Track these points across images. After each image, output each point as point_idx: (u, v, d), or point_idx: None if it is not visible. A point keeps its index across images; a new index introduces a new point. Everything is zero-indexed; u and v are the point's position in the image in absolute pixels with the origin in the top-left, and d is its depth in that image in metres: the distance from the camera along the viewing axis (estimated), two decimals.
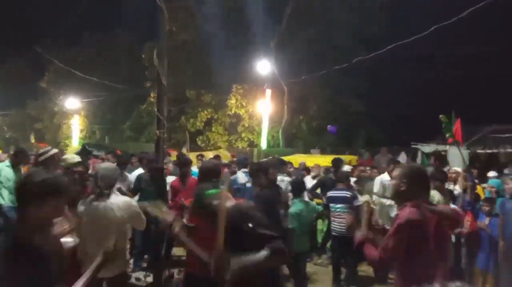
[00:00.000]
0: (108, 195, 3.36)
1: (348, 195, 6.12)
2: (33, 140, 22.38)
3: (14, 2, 30.56)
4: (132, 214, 3.43)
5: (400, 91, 22.47)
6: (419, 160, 11.52)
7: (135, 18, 23.80)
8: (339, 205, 6.14)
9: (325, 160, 10.20)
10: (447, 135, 7.05)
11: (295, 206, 5.32)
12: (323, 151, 16.77)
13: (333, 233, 6.22)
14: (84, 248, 3.35)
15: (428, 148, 13.95)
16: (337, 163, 7.75)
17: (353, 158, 12.75)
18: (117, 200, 3.36)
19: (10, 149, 18.67)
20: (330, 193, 6.35)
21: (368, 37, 20.19)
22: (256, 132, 21.39)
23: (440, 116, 6.91)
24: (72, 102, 25.22)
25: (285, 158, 11.25)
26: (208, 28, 20.88)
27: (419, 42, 8.97)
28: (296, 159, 10.66)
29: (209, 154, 11.13)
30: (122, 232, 3.37)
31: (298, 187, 5.36)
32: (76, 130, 25.97)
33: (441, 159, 13.27)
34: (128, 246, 7.28)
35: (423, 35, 8.69)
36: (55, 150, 5.11)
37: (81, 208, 3.42)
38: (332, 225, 6.26)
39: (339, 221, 6.09)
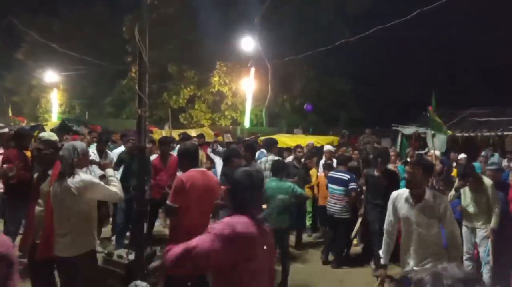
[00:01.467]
0: (69, 175, 3.30)
1: (346, 178, 6.33)
2: (10, 114, 21.76)
3: None
4: (95, 192, 3.37)
5: (384, 72, 22.63)
6: (399, 142, 11.72)
7: None
8: (335, 187, 6.40)
9: (307, 140, 10.28)
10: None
11: (267, 185, 5.42)
12: (306, 131, 16.88)
13: (328, 213, 6.53)
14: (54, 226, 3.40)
15: (408, 130, 14.16)
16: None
17: (335, 138, 12.88)
18: (77, 179, 3.29)
19: None
20: (330, 174, 6.67)
21: (354, 16, 20.12)
22: (239, 110, 21.31)
23: (429, 108, 7.16)
24: (51, 76, 24.53)
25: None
26: (191, 1, 20.42)
27: (402, 24, 8.98)
28: (280, 138, 10.69)
29: (192, 132, 11.05)
30: (84, 212, 3.35)
31: (275, 168, 5.45)
32: (55, 105, 25.39)
33: (421, 141, 13.55)
34: (110, 224, 7.28)
35: (407, 19, 8.70)
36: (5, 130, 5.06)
37: (50, 188, 3.42)
38: (327, 204, 6.55)
39: (334, 202, 6.42)
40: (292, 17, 20.66)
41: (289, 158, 7.97)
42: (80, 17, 26.57)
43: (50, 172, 3.84)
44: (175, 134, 10.62)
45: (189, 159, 4.07)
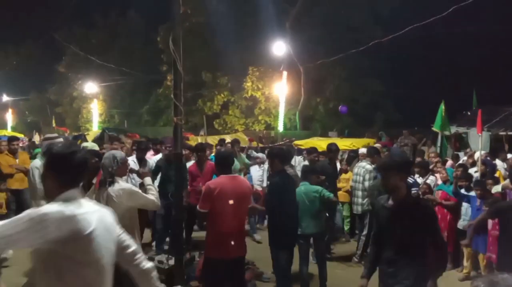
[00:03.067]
0: (110, 183, 3.41)
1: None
2: (54, 125, 22.82)
3: None
4: (134, 200, 3.47)
5: (420, 71, 22.01)
6: (439, 142, 11.33)
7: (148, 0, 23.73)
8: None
9: (343, 143, 10.14)
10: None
11: (297, 190, 5.38)
12: (341, 134, 16.65)
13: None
14: None
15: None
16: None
17: (371, 141, 12.61)
18: (117, 187, 3.41)
19: (34, 133, 19.17)
20: None
21: (386, 15, 19.72)
22: (272, 114, 21.33)
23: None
24: (90, 87, 25.56)
25: (302, 142, 11.24)
26: (222, 9, 20.68)
27: (439, 22, 8.70)
28: (314, 142, 10.61)
29: (227, 138, 11.16)
30: (125, 218, 3.43)
31: (304, 172, 5.43)
32: (95, 115, 26.38)
33: (462, 141, 13.04)
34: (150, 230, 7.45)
35: (443, 16, 8.42)
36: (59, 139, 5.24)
37: (93, 197, 3.51)
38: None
39: None
40: (322, 19, 20.51)
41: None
42: (115, 28, 27.56)
43: (94, 181, 3.98)
44: (210, 140, 10.77)
45: (221, 165, 4.13)
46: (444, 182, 6.26)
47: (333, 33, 20.00)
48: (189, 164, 6.79)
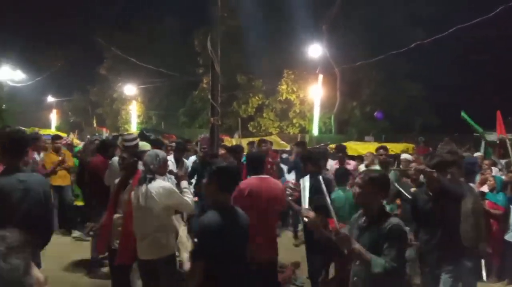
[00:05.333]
0: (149, 180, 3.46)
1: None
2: (95, 125, 23.68)
3: None
4: (172, 199, 3.51)
5: (460, 75, 21.17)
6: (482, 149, 10.85)
7: (185, 4, 24.21)
8: None
9: None
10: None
11: (334, 194, 5.24)
12: (378, 139, 16.28)
13: None
14: (133, 229, 3.57)
15: (491, 136, 13.03)
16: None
17: (409, 146, 12.27)
18: (157, 185, 3.46)
19: (75, 133, 19.94)
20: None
21: (425, 17, 19.13)
22: (307, 118, 21.20)
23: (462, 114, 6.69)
24: (130, 89, 26.37)
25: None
26: (258, 12, 20.77)
27: (483, 24, 8.34)
28: (350, 146, 10.43)
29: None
30: (162, 217, 3.49)
31: (339, 176, 5.26)
32: (134, 116, 27.16)
33: (506, 148, 12.41)
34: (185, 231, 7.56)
35: (489, 16, 8.07)
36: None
37: (132, 193, 3.61)
38: None
39: None
40: (359, 21, 20.18)
41: (361, 166, 7.71)
42: (153, 32, 28.26)
43: (130, 181, 4.03)
44: (244, 142, 10.80)
45: (252, 165, 4.11)
46: (491, 190, 5.96)
47: (369, 35, 19.62)
48: None
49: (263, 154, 5.31)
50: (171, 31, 28.24)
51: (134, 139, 5.00)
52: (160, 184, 3.47)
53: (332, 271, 4.83)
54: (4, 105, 16.53)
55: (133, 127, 25.99)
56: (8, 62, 20.24)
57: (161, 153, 3.81)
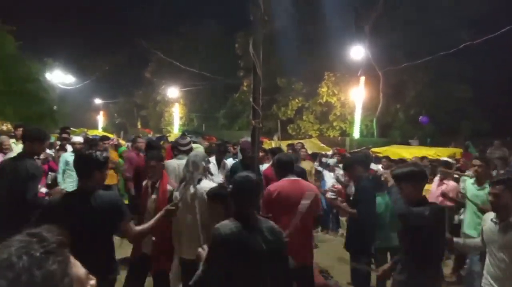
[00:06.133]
0: (198, 181, 3.50)
1: None
2: (139, 126, 24.51)
3: None
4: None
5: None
6: None
7: (227, 8, 24.54)
8: None
9: (426, 153, 9.55)
10: None
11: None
12: (423, 142, 15.73)
13: None
14: (177, 229, 3.58)
15: None
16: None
17: (457, 150, 11.74)
18: (206, 185, 3.48)
19: (121, 134, 20.71)
20: None
21: (474, 16, 18.26)
22: (348, 121, 20.84)
23: None
24: (172, 91, 27.07)
25: (380, 149, 10.79)
26: (298, 14, 20.68)
27: None
28: (393, 150, 10.14)
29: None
30: (206, 217, 3.50)
31: (378, 182, 5.10)
32: (176, 118, 27.86)
33: None
34: None
35: None
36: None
37: (176, 193, 3.61)
38: None
39: None
40: (403, 22, 19.59)
41: None
42: (196, 36, 28.87)
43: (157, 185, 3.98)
44: (284, 145, 10.77)
45: (280, 168, 4.06)
46: None
47: (414, 36, 19.00)
48: (263, 167, 6.83)
49: (292, 156, 5.26)
50: (213, 35, 28.74)
51: (188, 143, 5.14)
52: (209, 185, 3.50)
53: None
54: (55, 107, 17.40)
55: (175, 129, 26.65)
56: (60, 66, 21.32)
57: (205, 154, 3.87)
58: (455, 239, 3.30)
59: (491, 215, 3.03)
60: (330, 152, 10.27)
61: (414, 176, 2.97)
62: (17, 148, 5.57)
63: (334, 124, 21.26)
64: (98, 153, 2.78)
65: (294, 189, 3.80)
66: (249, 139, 6.00)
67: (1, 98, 14.06)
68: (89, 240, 2.45)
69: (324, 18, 20.50)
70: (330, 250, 6.99)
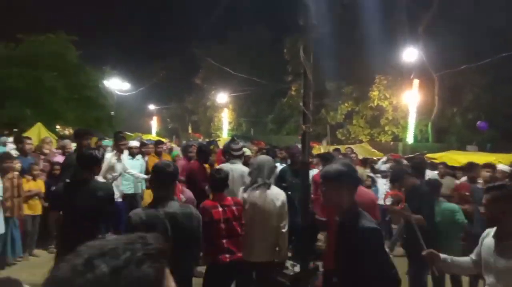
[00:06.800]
0: (269, 186, 3.63)
1: None
2: (190, 131, 25.22)
3: (171, 6, 34.77)
4: (284, 208, 3.66)
5: None
6: None
7: (275, 13, 24.66)
8: None
9: (486, 159, 9.00)
10: None
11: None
12: (482, 148, 14.86)
13: None
14: (249, 233, 3.67)
15: None
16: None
17: None
18: (275, 191, 3.59)
19: (173, 138, 21.41)
20: None
21: None
22: (401, 125, 20.15)
23: None
24: (222, 97, 27.59)
25: (436, 155, 10.34)
26: (348, 17, 20.33)
27: None
28: (450, 156, 9.68)
29: (352, 148, 10.85)
30: (275, 220, 3.58)
31: (437, 187, 4.86)
32: (225, 123, 28.35)
33: None
34: None
35: None
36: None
37: (244, 195, 3.74)
38: None
39: None
40: (460, 22, 18.64)
41: (463, 178, 7.09)
42: (244, 41, 29.27)
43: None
44: (333, 150, 10.60)
45: None
46: None
47: (471, 37, 18.00)
48: (313, 172, 6.77)
49: (350, 163, 5.17)
50: (261, 40, 29.01)
51: (241, 148, 5.27)
52: (278, 191, 3.68)
53: None
54: (112, 112, 18.36)
55: (224, 134, 27.11)
56: (117, 74, 22.44)
57: None
58: (442, 256, 2.63)
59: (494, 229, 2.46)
60: (384, 158, 9.96)
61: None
62: None
63: (386, 128, 20.64)
64: (96, 151, 3.52)
65: (357, 196, 3.75)
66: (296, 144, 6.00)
67: (64, 104, 15.06)
68: (88, 217, 3.23)
69: (375, 19, 20.00)
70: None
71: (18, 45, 15.13)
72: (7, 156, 5.48)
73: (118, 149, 6.85)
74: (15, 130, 12.45)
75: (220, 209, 3.70)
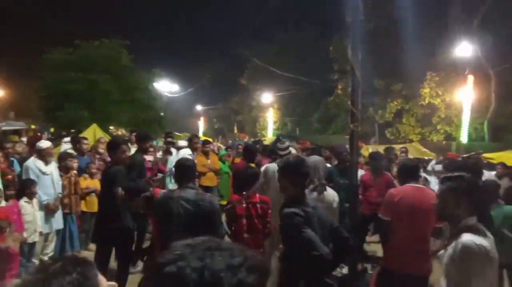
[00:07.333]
0: (325, 186, 3.69)
1: None
2: (236, 131, 25.54)
3: (216, 9, 35.45)
4: (336, 210, 3.64)
5: None
6: None
7: (320, 11, 24.35)
8: None
9: None
10: None
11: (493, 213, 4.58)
12: None
13: None
14: None
15: None
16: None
17: None
18: (331, 191, 3.59)
19: (219, 138, 21.77)
20: None
21: None
22: (454, 124, 19.24)
23: None
24: (267, 97, 27.68)
25: (493, 155, 9.79)
26: (397, 13, 19.64)
27: None
28: (508, 155, 9.10)
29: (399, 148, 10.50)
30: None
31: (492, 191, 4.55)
32: (270, 122, 28.42)
33: None
34: None
35: None
36: None
37: None
38: None
39: None
40: None
41: None
42: (289, 41, 29.15)
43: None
44: (382, 149, 10.31)
45: (404, 173, 3.89)
46: None
47: None
48: (361, 173, 6.62)
49: (418, 162, 5.04)
50: (306, 39, 28.78)
51: (287, 147, 5.31)
52: (332, 192, 3.75)
53: None
54: (162, 113, 18.93)
55: (269, 133, 27.18)
56: (167, 76, 23.11)
57: None
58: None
59: None
60: (440, 157, 9.54)
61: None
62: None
63: (438, 127, 19.77)
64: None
65: (418, 197, 3.63)
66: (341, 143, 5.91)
67: (117, 106, 15.73)
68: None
69: (425, 13, 19.21)
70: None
71: (75, 50, 15.97)
72: (68, 155, 5.83)
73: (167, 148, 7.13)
74: (72, 130, 13.16)
75: (244, 205, 3.82)
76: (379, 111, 21.50)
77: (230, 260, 0.72)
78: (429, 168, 8.51)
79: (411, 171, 3.84)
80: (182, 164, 3.47)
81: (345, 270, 4.09)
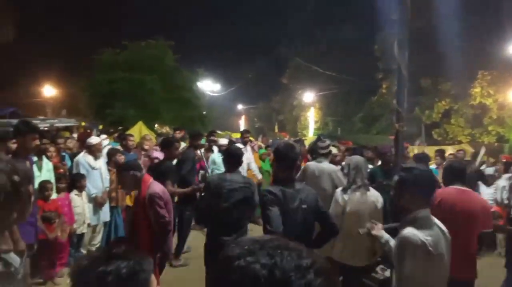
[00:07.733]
0: (368, 187, 3.64)
1: None
2: (276, 130, 25.53)
3: (257, 8, 35.62)
4: (379, 212, 3.59)
5: None
6: None
7: (363, 9, 23.75)
8: None
9: None
10: None
11: None
12: None
13: None
14: (345, 235, 3.60)
15: None
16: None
17: None
18: (374, 192, 3.61)
19: (259, 137, 21.85)
20: None
21: None
22: (507, 125, 18.21)
23: None
24: (308, 96, 27.47)
25: None
26: (446, 9, 18.81)
27: None
28: None
29: (449, 149, 10.10)
30: (367, 220, 3.51)
31: None
32: (311, 122, 28.19)
33: None
34: None
35: None
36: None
37: (345, 196, 3.71)
38: None
39: None
40: None
41: None
42: (331, 39, 28.73)
43: None
44: (430, 151, 9.94)
45: (449, 175, 3.72)
46: None
47: None
48: None
49: (464, 164, 4.84)
50: (349, 38, 28.23)
51: (328, 146, 5.25)
52: (376, 193, 3.68)
53: None
54: (204, 112, 19.27)
55: (310, 133, 26.95)
56: (209, 76, 23.48)
57: None
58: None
59: None
60: (490, 160, 9.10)
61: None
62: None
63: (490, 128, 18.79)
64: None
65: (461, 200, 3.48)
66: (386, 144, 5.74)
67: (162, 104, 16.19)
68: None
69: (477, 10, 18.29)
70: (484, 269, 6.18)
71: (122, 51, 16.60)
72: (116, 151, 6.07)
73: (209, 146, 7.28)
74: (119, 128, 13.69)
75: None
76: (426, 111, 20.75)
77: (299, 261, 0.71)
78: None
79: (456, 173, 3.67)
80: (234, 152, 3.91)
81: (387, 273, 3.98)
